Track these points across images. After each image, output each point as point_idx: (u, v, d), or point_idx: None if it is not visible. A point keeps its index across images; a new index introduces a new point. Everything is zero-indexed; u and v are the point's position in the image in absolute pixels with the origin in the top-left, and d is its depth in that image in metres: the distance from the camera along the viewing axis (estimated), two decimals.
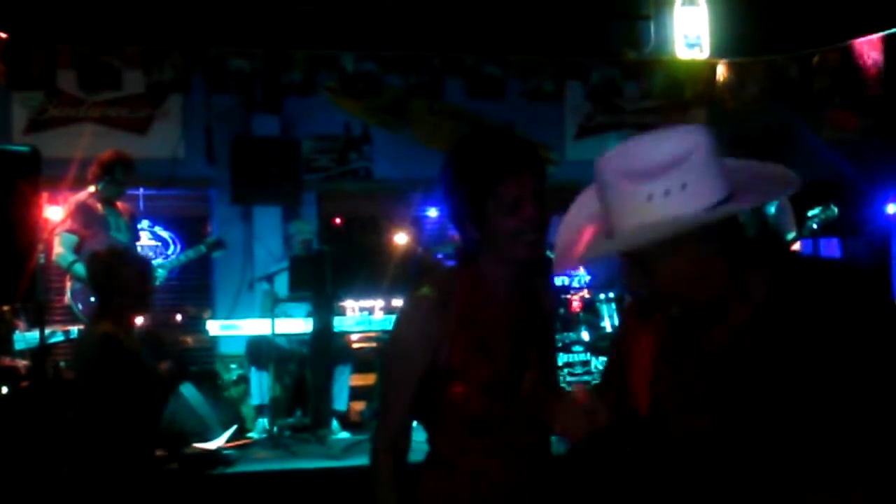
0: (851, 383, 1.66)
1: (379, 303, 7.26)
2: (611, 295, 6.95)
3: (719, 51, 8.50)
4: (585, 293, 7.08)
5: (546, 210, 2.22)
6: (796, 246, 6.38)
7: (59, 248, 6.10)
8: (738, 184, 1.70)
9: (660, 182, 1.60)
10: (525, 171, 2.20)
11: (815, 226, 6.24)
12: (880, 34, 7.46)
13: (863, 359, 1.66)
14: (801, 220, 6.33)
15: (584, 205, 1.88)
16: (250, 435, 6.77)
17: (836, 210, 6.21)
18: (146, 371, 4.12)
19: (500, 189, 2.17)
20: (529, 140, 2.28)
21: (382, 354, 7.19)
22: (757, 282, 1.74)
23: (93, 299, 5.32)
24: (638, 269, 1.72)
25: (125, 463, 3.97)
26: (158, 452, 5.99)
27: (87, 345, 4.14)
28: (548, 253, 2.09)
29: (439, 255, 7.05)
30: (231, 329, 7.03)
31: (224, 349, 8.13)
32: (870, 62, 7.50)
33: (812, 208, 6.29)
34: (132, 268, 4.11)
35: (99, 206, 6.23)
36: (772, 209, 6.45)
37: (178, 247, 8.62)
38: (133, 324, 4.21)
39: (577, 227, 1.85)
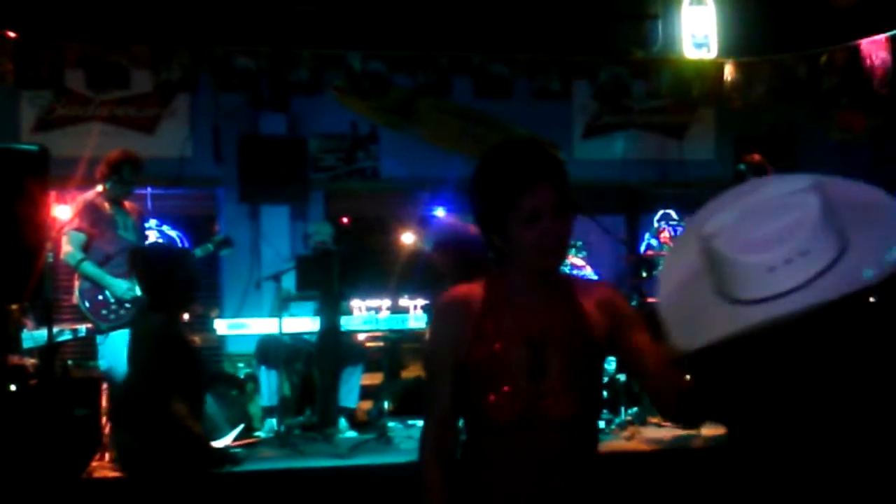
0: None
1: (386, 302, 7.27)
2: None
3: (727, 50, 8.48)
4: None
5: (568, 222, 2.26)
6: None
7: (68, 247, 6.11)
8: (847, 224, 1.66)
9: (779, 252, 1.59)
10: (546, 184, 2.21)
11: None
12: (888, 34, 7.44)
13: None
14: None
15: (682, 266, 1.83)
16: (258, 434, 6.79)
17: None
18: (197, 363, 4.19)
19: (520, 202, 2.20)
20: (553, 153, 2.30)
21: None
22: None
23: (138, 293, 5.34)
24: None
25: (181, 457, 4.03)
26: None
27: (142, 338, 4.26)
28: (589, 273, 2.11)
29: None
30: (238, 328, 7.05)
31: (231, 348, 8.15)
32: (878, 62, 7.48)
33: None
34: (181, 264, 4.21)
35: (107, 205, 6.24)
36: None
37: (186, 246, 8.63)
38: (181, 318, 4.31)
39: (681, 296, 1.80)
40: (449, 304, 2.38)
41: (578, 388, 2.29)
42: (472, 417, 2.32)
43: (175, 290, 4.17)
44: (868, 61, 7.52)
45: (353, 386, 6.93)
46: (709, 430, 5.80)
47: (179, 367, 4.08)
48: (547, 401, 2.24)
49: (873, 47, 7.50)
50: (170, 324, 4.17)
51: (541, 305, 2.30)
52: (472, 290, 2.36)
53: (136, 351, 4.23)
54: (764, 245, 1.59)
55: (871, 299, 1.75)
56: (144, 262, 4.32)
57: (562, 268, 2.34)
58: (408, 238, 7.51)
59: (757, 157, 6.53)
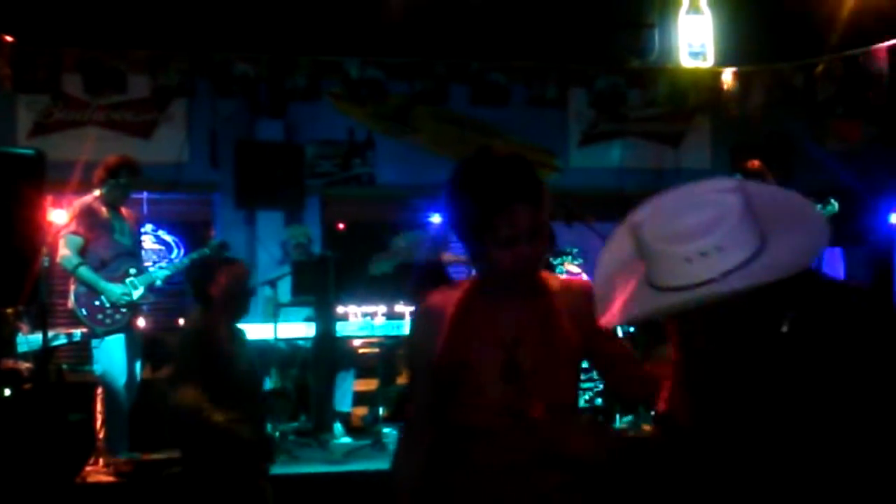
0: (853, 400, 1.77)
1: (381, 308, 7.27)
2: None
3: (724, 59, 8.50)
4: None
5: (544, 242, 2.24)
6: None
7: (64, 251, 6.10)
8: (773, 227, 1.76)
9: (695, 245, 1.69)
10: (521, 207, 2.17)
11: None
12: (885, 44, 7.47)
13: (868, 380, 1.77)
14: None
15: (616, 252, 1.94)
16: None
17: (836, 205, 6.23)
18: (232, 371, 4.19)
19: (495, 225, 2.17)
20: (530, 169, 2.24)
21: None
22: (787, 307, 1.83)
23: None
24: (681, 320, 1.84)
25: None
26: (161, 456, 6.03)
27: (181, 342, 4.38)
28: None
29: (444, 263, 7.05)
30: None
31: None
32: (874, 72, 7.50)
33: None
34: (231, 274, 4.25)
35: (103, 209, 6.24)
36: None
37: (182, 251, 8.63)
38: (231, 327, 4.33)
39: (613, 278, 1.91)
40: (426, 310, 2.41)
41: (554, 390, 2.28)
42: (448, 420, 2.33)
43: (219, 299, 4.20)
44: (864, 71, 7.54)
45: (345, 390, 6.94)
46: None
47: (207, 371, 4.10)
48: (521, 404, 2.23)
49: (870, 57, 7.53)
50: (209, 331, 4.22)
51: (515, 308, 2.29)
52: (449, 294, 2.38)
53: (176, 352, 4.30)
54: (683, 237, 1.69)
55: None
56: (194, 268, 4.40)
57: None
58: (402, 245, 7.51)
59: (756, 163, 6.55)
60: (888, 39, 7.47)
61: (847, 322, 1.81)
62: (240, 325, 4.54)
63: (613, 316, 1.88)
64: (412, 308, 7.03)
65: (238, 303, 4.35)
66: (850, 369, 1.77)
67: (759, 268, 1.69)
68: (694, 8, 8.52)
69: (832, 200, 6.25)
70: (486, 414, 2.25)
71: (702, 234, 1.68)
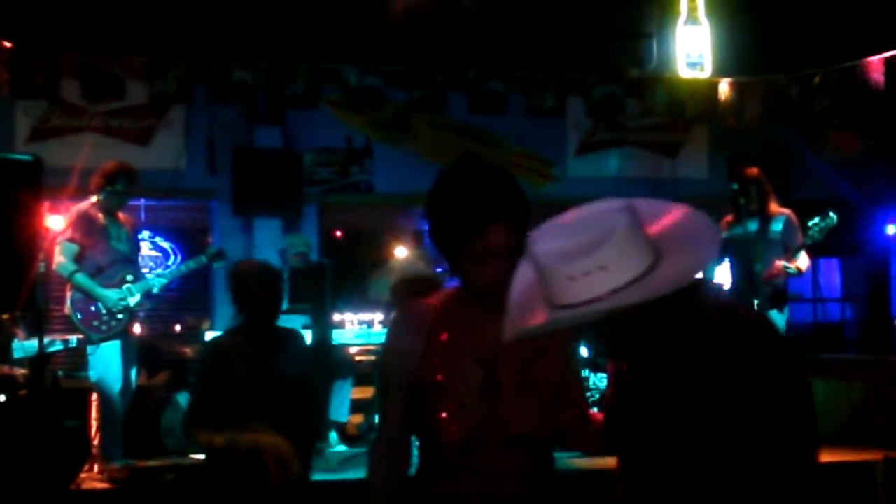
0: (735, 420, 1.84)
1: (378, 316, 7.26)
2: None
3: (721, 70, 8.53)
4: None
5: (519, 260, 2.16)
6: (804, 257, 6.39)
7: (60, 258, 6.10)
8: (665, 246, 1.82)
9: (579, 265, 1.74)
10: (498, 227, 2.12)
11: (816, 235, 6.27)
12: (881, 56, 7.49)
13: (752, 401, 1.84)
14: (803, 232, 6.35)
15: (525, 271, 1.99)
16: None
17: (835, 217, 6.24)
18: (238, 377, 4.17)
19: (471, 243, 2.13)
20: (510, 185, 2.19)
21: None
22: (684, 326, 1.89)
23: None
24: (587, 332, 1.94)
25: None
26: (156, 463, 6.02)
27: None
28: None
29: (439, 270, 7.05)
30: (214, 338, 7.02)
31: None
32: (871, 84, 7.52)
33: (811, 219, 6.34)
34: (261, 282, 4.25)
35: (100, 215, 6.24)
36: (779, 226, 6.46)
37: (179, 258, 8.62)
38: (256, 330, 4.33)
39: (523, 296, 1.97)
40: (403, 320, 2.37)
41: (534, 407, 2.24)
42: (424, 434, 2.28)
43: (249, 307, 4.23)
44: (861, 83, 7.56)
45: (343, 399, 6.92)
46: None
47: (214, 381, 4.11)
48: (500, 420, 2.19)
49: (866, 69, 7.55)
50: (229, 339, 4.25)
51: (495, 323, 2.15)
52: (427, 306, 2.32)
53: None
54: (568, 256, 1.74)
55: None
56: (232, 275, 4.39)
57: None
58: (401, 252, 7.51)
59: (755, 170, 6.56)
60: (885, 51, 7.49)
61: (734, 340, 1.86)
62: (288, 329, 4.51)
63: (514, 329, 1.94)
64: (390, 316, 7.04)
65: (261, 309, 4.32)
66: (735, 386, 1.83)
67: (646, 285, 1.74)
68: (692, 18, 8.56)
69: (831, 213, 6.25)
70: (461, 431, 2.20)
71: (585, 254, 1.73)
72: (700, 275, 1.87)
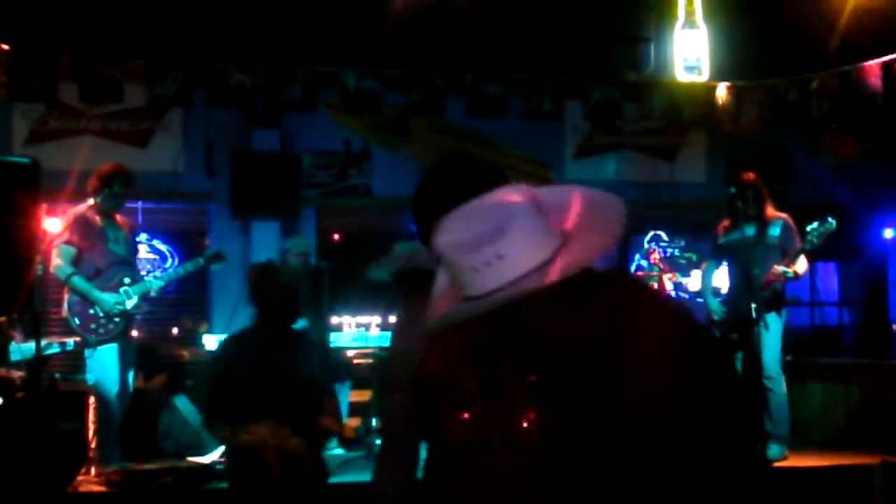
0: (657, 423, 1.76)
1: (375, 319, 7.26)
2: None
3: (719, 74, 8.53)
4: None
5: None
6: (803, 261, 6.39)
7: (58, 260, 6.09)
8: (568, 230, 1.79)
9: (479, 255, 1.71)
10: None
11: (815, 240, 6.27)
12: (879, 60, 7.50)
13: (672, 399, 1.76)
14: (801, 236, 6.35)
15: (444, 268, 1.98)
16: None
17: (833, 223, 6.24)
18: (254, 374, 4.18)
19: None
20: (497, 182, 2.19)
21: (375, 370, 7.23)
22: (595, 322, 1.83)
23: None
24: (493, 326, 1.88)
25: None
26: (153, 466, 6.01)
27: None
28: None
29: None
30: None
31: None
32: (868, 88, 7.53)
33: (810, 223, 6.34)
34: (282, 281, 4.27)
35: (98, 218, 6.23)
36: (776, 231, 6.46)
37: (176, 260, 8.62)
38: (276, 331, 4.33)
39: (442, 291, 1.94)
40: (405, 321, 2.39)
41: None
42: (426, 435, 2.27)
43: (270, 305, 4.18)
44: (859, 87, 7.57)
45: (340, 403, 6.91)
46: None
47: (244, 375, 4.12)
48: (501, 419, 2.21)
49: (864, 73, 7.56)
50: (247, 334, 4.27)
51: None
52: (422, 307, 2.33)
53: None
54: (467, 247, 1.72)
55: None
56: (259, 275, 4.41)
57: None
58: (402, 252, 7.49)
59: (752, 175, 6.56)
60: (883, 55, 7.50)
61: (651, 329, 1.80)
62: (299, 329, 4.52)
63: (431, 321, 1.93)
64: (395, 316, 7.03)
65: (281, 311, 4.33)
66: (658, 378, 1.76)
67: (547, 272, 1.71)
68: (690, 22, 8.56)
69: (830, 218, 6.25)
70: (463, 433, 2.16)
71: (484, 244, 1.71)
72: (615, 262, 1.84)
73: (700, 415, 1.75)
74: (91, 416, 5.99)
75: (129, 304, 6.22)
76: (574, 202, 1.85)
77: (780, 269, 6.30)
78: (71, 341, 6.21)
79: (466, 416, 2.18)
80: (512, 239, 1.70)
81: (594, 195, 1.88)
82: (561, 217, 1.80)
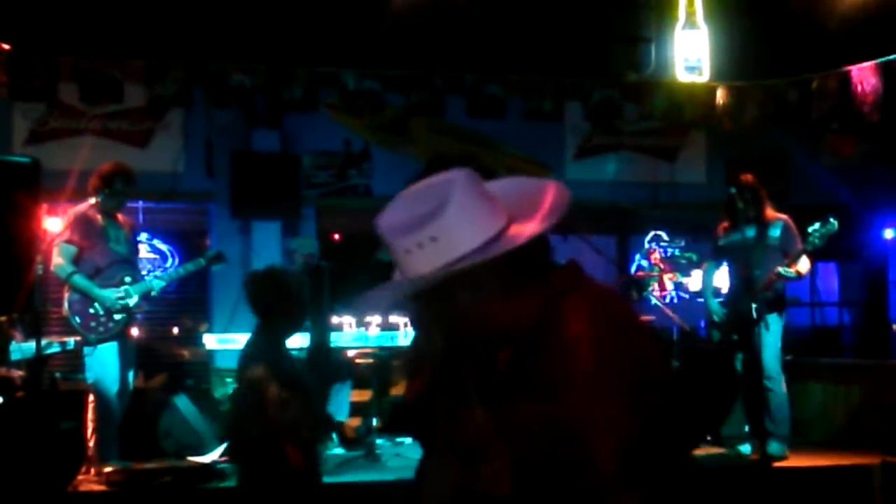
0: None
1: (375, 319, 7.26)
2: None
3: (719, 74, 8.53)
4: None
5: None
6: (805, 261, 6.39)
7: (58, 259, 6.10)
8: (515, 212, 1.80)
9: (413, 237, 1.72)
10: None
11: (816, 241, 6.27)
12: (879, 60, 7.50)
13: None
14: (803, 237, 6.35)
15: None
16: None
17: (835, 224, 6.23)
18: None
19: None
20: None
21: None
22: (532, 307, 1.82)
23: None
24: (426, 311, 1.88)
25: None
26: (153, 465, 6.01)
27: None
28: None
29: None
30: (227, 343, 7.02)
31: (220, 363, 8.12)
32: (869, 88, 7.53)
33: (811, 224, 6.33)
34: (291, 288, 4.26)
35: (99, 217, 6.23)
36: (776, 232, 6.46)
37: (177, 260, 8.62)
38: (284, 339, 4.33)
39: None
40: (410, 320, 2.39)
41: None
42: (443, 437, 2.23)
43: (278, 313, 4.23)
44: (859, 87, 7.57)
45: (341, 403, 6.92)
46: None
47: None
48: (504, 416, 2.19)
49: (864, 73, 7.56)
50: (265, 344, 4.24)
51: None
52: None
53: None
54: (403, 229, 1.73)
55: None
56: (253, 284, 4.39)
57: None
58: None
59: (750, 177, 6.56)
60: (883, 56, 7.50)
61: (586, 316, 1.78)
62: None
63: (377, 302, 1.96)
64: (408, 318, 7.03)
65: (290, 318, 4.33)
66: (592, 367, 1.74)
67: (489, 254, 1.71)
68: (690, 23, 8.55)
69: (831, 219, 6.25)
70: (467, 434, 2.20)
71: (418, 227, 1.72)
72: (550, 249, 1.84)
73: (625, 396, 1.72)
74: (91, 415, 5.99)
75: (130, 302, 6.23)
76: (513, 188, 1.86)
77: (781, 269, 6.30)
78: (71, 340, 6.21)
79: (469, 420, 2.18)
80: (446, 221, 1.71)
81: (536, 181, 1.90)
82: (505, 202, 1.81)
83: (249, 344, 4.43)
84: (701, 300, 7.29)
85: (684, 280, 9.50)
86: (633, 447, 1.71)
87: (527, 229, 1.75)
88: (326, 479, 5.91)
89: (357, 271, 7.42)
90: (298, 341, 6.88)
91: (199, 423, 6.75)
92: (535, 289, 1.81)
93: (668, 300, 9.24)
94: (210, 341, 7.08)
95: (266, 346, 4.24)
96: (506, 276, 1.76)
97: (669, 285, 9.49)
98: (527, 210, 1.80)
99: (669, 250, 9.80)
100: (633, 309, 1.89)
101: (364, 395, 7.31)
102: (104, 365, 6.10)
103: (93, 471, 5.86)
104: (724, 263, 6.87)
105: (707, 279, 7.03)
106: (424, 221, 1.71)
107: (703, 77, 8.61)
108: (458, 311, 1.80)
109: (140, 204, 8.32)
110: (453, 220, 1.71)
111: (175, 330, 8.60)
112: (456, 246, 1.71)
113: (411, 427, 2.07)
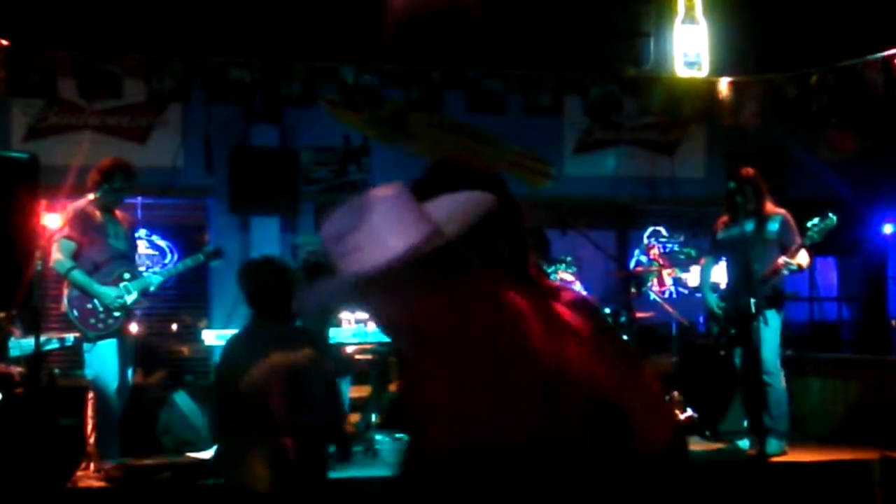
0: None
1: None
2: None
3: (718, 69, 8.53)
4: None
5: None
6: (804, 255, 6.38)
7: (57, 255, 6.08)
8: (443, 220, 1.91)
9: (342, 245, 1.88)
10: None
11: (815, 236, 6.27)
12: (879, 55, 7.50)
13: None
14: (802, 232, 6.35)
15: None
16: None
17: (834, 219, 6.23)
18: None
19: None
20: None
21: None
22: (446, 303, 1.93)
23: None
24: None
25: None
26: (152, 461, 6.02)
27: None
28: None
29: None
30: (226, 339, 7.02)
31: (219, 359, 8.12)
32: (868, 83, 7.53)
33: (810, 219, 6.33)
34: (280, 278, 4.28)
35: (98, 213, 6.22)
36: (775, 226, 6.46)
37: (175, 255, 8.62)
38: (279, 328, 4.33)
39: None
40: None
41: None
42: None
43: (271, 301, 4.29)
44: (858, 82, 7.57)
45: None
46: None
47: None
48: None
49: (864, 68, 7.55)
50: (247, 335, 4.30)
51: None
52: None
53: None
54: (335, 238, 1.89)
55: None
56: (247, 273, 4.41)
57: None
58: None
59: (751, 170, 6.55)
60: (882, 50, 7.49)
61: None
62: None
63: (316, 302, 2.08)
64: None
65: (281, 306, 4.33)
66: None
67: (412, 257, 1.83)
68: (689, 18, 8.56)
69: (830, 214, 6.25)
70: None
71: (344, 235, 1.88)
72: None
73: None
74: (90, 411, 5.99)
75: (129, 298, 6.22)
76: (452, 203, 1.98)
77: (783, 260, 6.29)
78: (70, 337, 6.20)
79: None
80: (367, 231, 1.86)
81: (458, 195, 2.00)
82: (436, 215, 1.92)
83: (238, 333, 4.44)
84: (700, 295, 7.29)
85: (683, 275, 9.51)
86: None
87: (437, 238, 1.88)
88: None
89: None
90: None
91: (198, 420, 6.75)
92: (457, 288, 1.92)
93: (666, 295, 9.24)
94: (209, 337, 7.07)
95: (253, 335, 4.23)
96: (420, 278, 1.88)
97: (668, 281, 9.49)
98: (442, 215, 1.93)
99: (668, 246, 9.80)
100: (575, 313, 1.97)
101: (363, 391, 7.31)
102: (103, 361, 6.10)
103: (92, 467, 5.86)
104: (723, 258, 6.87)
105: (705, 274, 7.03)
106: (347, 231, 1.87)
107: (703, 72, 8.61)
108: (382, 309, 1.98)
109: (139, 200, 8.32)
110: (375, 230, 1.86)
111: (174, 326, 8.59)
112: (378, 253, 1.84)
113: None
